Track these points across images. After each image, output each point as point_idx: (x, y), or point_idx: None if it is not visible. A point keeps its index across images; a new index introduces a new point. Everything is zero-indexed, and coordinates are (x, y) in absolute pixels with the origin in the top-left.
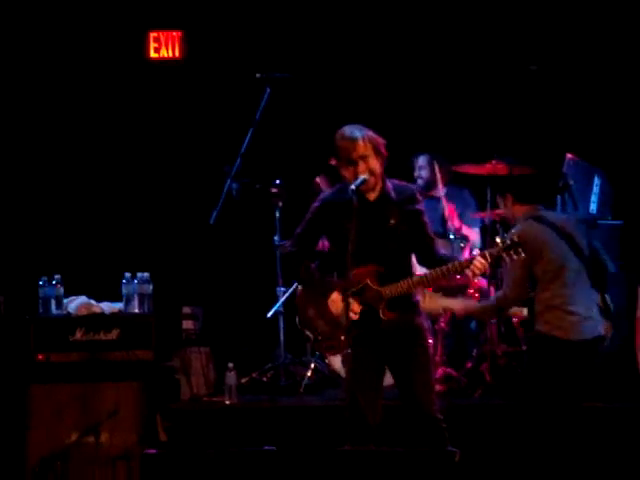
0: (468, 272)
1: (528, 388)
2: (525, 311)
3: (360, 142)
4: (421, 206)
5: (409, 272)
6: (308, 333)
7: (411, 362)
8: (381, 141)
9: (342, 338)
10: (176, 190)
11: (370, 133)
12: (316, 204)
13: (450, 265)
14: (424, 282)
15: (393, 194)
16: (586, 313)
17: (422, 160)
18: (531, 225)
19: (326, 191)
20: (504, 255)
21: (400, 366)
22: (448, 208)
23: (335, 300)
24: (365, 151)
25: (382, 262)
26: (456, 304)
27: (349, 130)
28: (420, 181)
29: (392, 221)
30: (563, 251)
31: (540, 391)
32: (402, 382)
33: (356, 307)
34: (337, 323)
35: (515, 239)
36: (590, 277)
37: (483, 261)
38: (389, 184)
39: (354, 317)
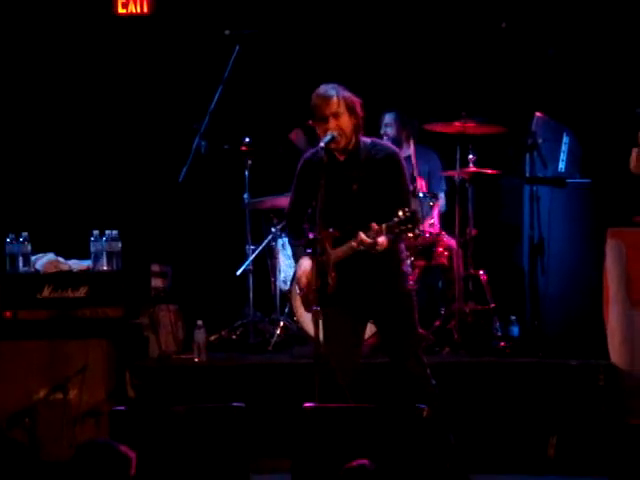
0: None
1: None
2: None
3: (334, 99)
4: (397, 169)
5: None
6: (297, 290)
7: (387, 321)
8: (357, 100)
9: (310, 297)
10: (145, 147)
11: (346, 93)
12: (298, 165)
13: (352, 242)
14: (348, 249)
15: (364, 156)
16: None
17: (388, 118)
18: None
19: (302, 145)
20: (396, 230)
21: (378, 325)
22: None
23: (303, 267)
24: (338, 108)
25: (343, 225)
26: None
27: (324, 88)
28: (386, 139)
29: (354, 186)
30: None
31: None
32: (383, 341)
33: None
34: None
35: (408, 214)
36: None
37: (364, 237)
38: (364, 144)
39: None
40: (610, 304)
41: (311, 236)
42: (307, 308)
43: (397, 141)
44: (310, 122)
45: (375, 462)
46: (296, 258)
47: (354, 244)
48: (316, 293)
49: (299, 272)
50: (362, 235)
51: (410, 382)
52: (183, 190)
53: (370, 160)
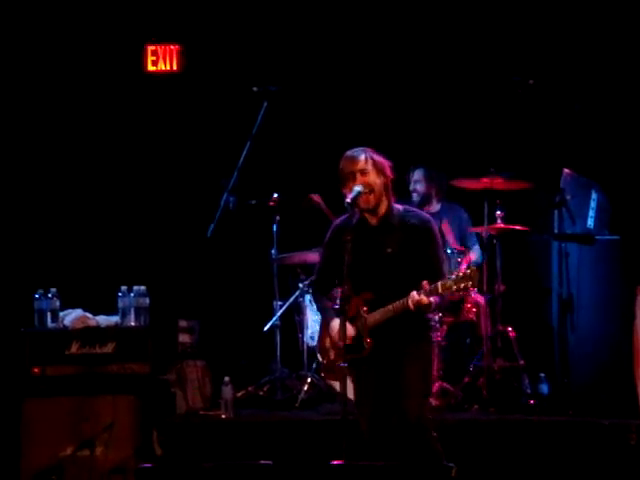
0: (410, 302)
1: None
2: None
3: (361, 158)
4: (431, 237)
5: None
6: (319, 358)
7: (400, 380)
8: (386, 163)
9: (338, 364)
10: (173, 203)
11: (375, 155)
12: (328, 232)
13: (398, 302)
14: (388, 312)
15: (397, 220)
16: None
17: (417, 174)
18: None
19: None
20: (454, 287)
21: (393, 386)
22: (443, 226)
23: (334, 327)
24: (365, 166)
25: (377, 288)
26: None
27: (352, 151)
28: (415, 195)
29: (389, 249)
30: None
31: None
32: (393, 399)
33: (350, 333)
34: (338, 349)
35: (467, 272)
36: None
37: (422, 298)
38: (397, 210)
39: (346, 342)
40: None
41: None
42: (330, 375)
43: (426, 197)
44: (341, 188)
45: None
46: (324, 319)
47: (410, 304)
48: (343, 350)
49: (332, 333)
50: (417, 296)
51: (414, 437)
52: (211, 246)
53: (404, 225)
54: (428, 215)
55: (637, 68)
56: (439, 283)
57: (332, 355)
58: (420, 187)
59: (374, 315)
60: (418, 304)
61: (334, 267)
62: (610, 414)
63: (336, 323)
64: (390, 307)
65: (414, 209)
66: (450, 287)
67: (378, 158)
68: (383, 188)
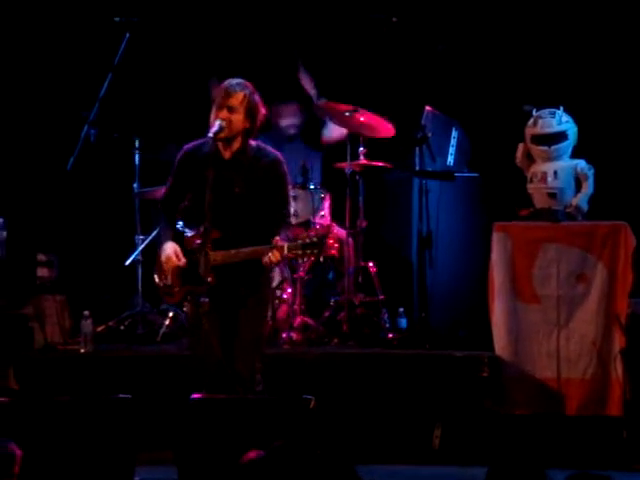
0: (265, 260)
1: None
2: None
3: (239, 94)
4: (279, 177)
5: (255, 240)
6: (156, 278)
7: (237, 323)
8: (262, 110)
9: (176, 290)
10: (32, 135)
11: (255, 96)
12: (179, 155)
13: (253, 249)
14: (232, 257)
15: (249, 158)
16: None
17: (293, 108)
18: None
19: None
20: (299, 253)
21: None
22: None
23: (165, 250)
24: (236, 104)
25: (223, 228)
26: None
27: (238, 81)
28: (293, 129)
29: (237, 189)
30: None
31: None
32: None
33: (181, 262)
34: (176, 275)
35: (315, 240)
36: None
37: (277, 255)
38: (252, 147)
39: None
40: (495, 296)
41: (202, 229)
42: (168, 298)
43: (301, 130)
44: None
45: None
46: (160, 241)
47: (266, 260)
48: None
49: (167, 254)
50: (272, 257)
51: (236, 382)
52: (72, 179)
53: (254, 165)
54: (280, 155)
55: (498, 8)
56: (285, 246)
57: (169, 279)
58: (298, 120)
59: (217, 254)
60: (271, 263)
61: (182, 192)
62: (465, 347)
63: (167, 247)
64: (233, 252)
65: (267, 148)
66: (296, 251)
67: (256, 102)
68: (243, 130)
